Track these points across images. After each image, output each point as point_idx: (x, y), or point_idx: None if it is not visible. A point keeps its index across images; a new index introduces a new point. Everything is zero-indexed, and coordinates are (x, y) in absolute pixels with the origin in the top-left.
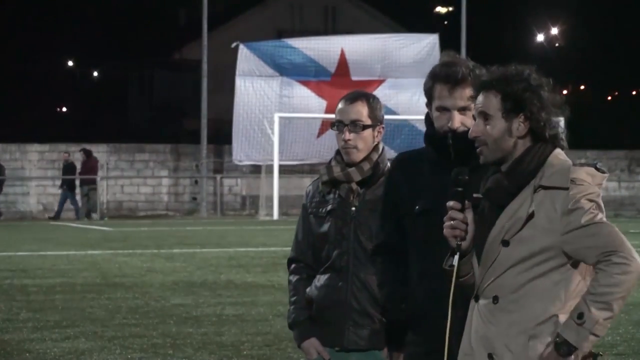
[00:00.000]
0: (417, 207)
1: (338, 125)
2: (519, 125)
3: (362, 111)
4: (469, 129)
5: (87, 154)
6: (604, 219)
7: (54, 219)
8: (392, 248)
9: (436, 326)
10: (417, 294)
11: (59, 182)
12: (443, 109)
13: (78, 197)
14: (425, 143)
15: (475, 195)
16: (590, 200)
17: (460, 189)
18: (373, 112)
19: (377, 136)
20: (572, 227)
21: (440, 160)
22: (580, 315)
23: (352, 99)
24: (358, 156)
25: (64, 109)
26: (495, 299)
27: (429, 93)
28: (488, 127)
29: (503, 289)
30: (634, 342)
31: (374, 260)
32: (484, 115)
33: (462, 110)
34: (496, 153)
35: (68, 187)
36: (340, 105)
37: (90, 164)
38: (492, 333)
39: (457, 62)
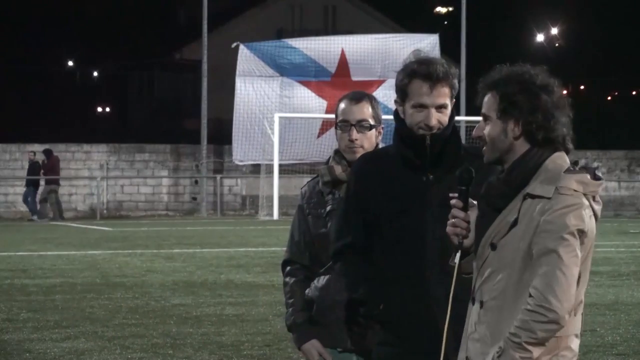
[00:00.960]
0: (392, 209)
1: (343, 125)
2: (513, 126)
3: (367, 111)
4: (444, 129)
5: (47, 154)
6: (567, 253)
7: (40, 218)
8: (359, 248)
9: (414, 327)
10: (393, 295)
11: (59, 182)
12: (421, 106)
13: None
14: (398, 142)
15: (451, 195)
16: (571, 217)
17: (464, 187)
18: (375, 112)
19: (377, 136)
20: (538, 239)
21: (414, 160)
22: (500, 351)
23: (357, 99)
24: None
25: (64, 109)
26: (482, 304)
27: (403, 90)
28: (487, 127)
29: (487, 294)
30: (634, 342)
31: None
32: (485, 116)
33: (440, 108)
34: (494, 153)
35: (33, 186)
36: (343, 105)
37: (51, 164)
38: (475, 337)
39: (434, 61)
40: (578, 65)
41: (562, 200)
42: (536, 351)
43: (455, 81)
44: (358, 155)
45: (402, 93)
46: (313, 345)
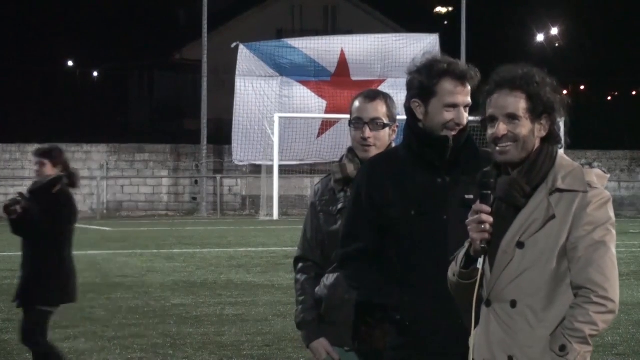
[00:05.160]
0: (410, 212)
1: (356, 122)
2: (542, 126)
3: (381, 110)
4: (463, 130)
5: None
6: (612, 243)
7: None
8: (371, 252)
9: (433, 331)
10: (413, 299)
11: None
12: (453, 106)
13: None
14: (412, 142)
15: (467, 196)
16: (609, 209)
17: (489, 191)
18: (390, 111)
19: (391, 135)
20: (582, 233)
21: (434, 162)
22: (563, 348)
23: (371, 97)
24: (375, 153)
25: (64, 109)
26: (513, 303)
27: (430, 89)
28: (515, 127)
29: (520, 293)
30: (633, 342)
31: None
32: (511, 116)
33: (466, 107)
34: (522, 153)
35: None
36: (357, 104)
37: None
38: (512, 337)
39: (457, 60)
40: (578, 65)
41: (599, 194)
42: (592, 343)
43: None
44: (370, 153)
45: (428, 92)
46: (321, 344)
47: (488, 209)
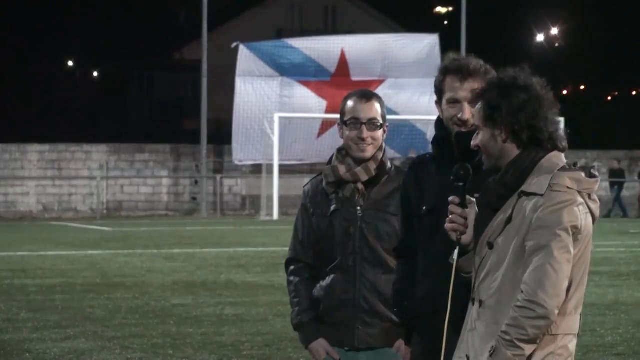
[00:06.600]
0: (423, 207)
1: (352, 122)
2: (499, 131)
3: (377, 110)
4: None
5: None
6: (559, 249)
7: None
8: (409, 249)
9: (434, 324)
10: (418, 293)
11: (59, 182)
12: (454, 101)
13: None
14: (433, 145)
15: (468, 197)
16: (563, 214)
17: (460, 183)
18: (383, 111)
19: (383, 135)
20: (531, 236)
21: (444, 160)
22: (492, 349)
23: (367, 97)
24: (372, 153)
25: (64, 109)
26: (481, 303)
27: (439, 88)
28: (478, 137)
29: (485, 293)
30: (634, 342)
31: (396, 259)
32: (476, 126)
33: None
34: (490, 160)
35: None
36: (351, 103)
37: None
38: (472, 336)
39: (467, 57)
40: (578, 65)
41: (555, 197)
42: (528, 348)
43: (490, 77)
44: (368, 153)
45: (439, 91)
46: (320, 344)
47: (457, 200)
